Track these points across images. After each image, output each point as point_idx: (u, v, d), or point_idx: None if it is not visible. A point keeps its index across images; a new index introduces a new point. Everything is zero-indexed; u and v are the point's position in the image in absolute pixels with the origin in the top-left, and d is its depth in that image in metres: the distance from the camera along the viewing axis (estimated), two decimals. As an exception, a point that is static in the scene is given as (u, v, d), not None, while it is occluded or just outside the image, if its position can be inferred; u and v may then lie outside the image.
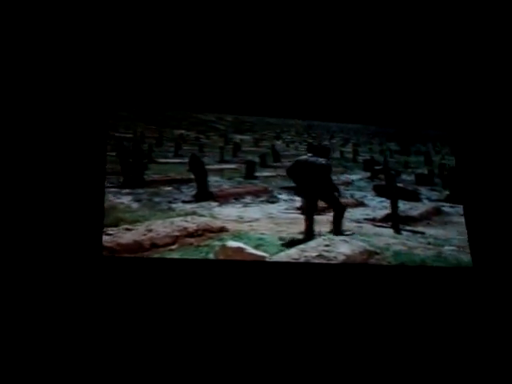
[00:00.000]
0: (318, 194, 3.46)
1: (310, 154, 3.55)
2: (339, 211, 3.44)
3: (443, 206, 3.73)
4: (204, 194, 3.36)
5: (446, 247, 3.48)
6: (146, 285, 2.99)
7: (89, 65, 3.29)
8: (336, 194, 3.49)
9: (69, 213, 3.00)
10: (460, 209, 3.70)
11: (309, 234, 3.33)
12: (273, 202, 3.48)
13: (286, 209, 3.47)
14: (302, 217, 3.42)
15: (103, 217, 3.04)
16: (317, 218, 3.41)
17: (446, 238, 3.52)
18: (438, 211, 3.70)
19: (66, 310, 2.85)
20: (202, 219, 3.23)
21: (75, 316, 2.84)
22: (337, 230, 3.39)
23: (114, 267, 2.98)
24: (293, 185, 3.52)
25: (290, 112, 3.69)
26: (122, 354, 2.83)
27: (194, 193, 3.35)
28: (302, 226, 3.36)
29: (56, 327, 2.82)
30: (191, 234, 3.14)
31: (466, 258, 3.45)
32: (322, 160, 3.51)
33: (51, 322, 2.82)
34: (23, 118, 3.13)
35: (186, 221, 3.19)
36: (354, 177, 3.71)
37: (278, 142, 3.81)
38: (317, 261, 3.22)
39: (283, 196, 3.52)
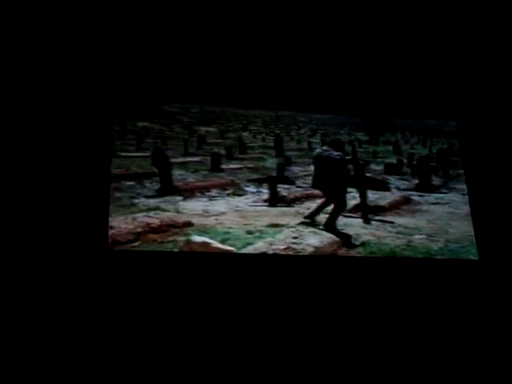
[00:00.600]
0: (333, 186, 3.44)
1: (324, 148, 3.53)
2: (339, 208, 3.40)
3: (412, 195, 3.71)
4: (168, 188, 3.27)
5: (416, 236, 3.46)
6: (145, 278, 2.96)
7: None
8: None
9: (74, 206, 2.99)
10: (429, 197, 3.70)
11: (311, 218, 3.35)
12: (240, 195, 3.41)
13: (254, 201, 3.41)
14: (269, 209, 3.37)
15: (108, 210, 3.01)
16: (284, 209, 3.37)
17: (416, 227, 3.50)
18: (407, 200, 3.68)
19: (68, 302, 2.84)
20: (166, 214, 3.15)
21: (78, 309, 2.83)
22: (330, 225, 3.34)
23: (117, 260, 2.96)
24: (260, 176, 3.46)
25: (257, 102, 3.60)
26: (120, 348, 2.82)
27: (157, 187, 3.26)
28: (269, 219, 3.30)
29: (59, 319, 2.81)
30: (155, 230, 3.05)
31: (435, 246, 3.44)
32: (335, 154, 3.49)
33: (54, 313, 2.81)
34: (22, 115, 3.09)
35: (149, 216, 3.10)
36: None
37: (245, 134, 3.73)
38: (285, 253, 3.16)
39: (250, 188, 3.46)
